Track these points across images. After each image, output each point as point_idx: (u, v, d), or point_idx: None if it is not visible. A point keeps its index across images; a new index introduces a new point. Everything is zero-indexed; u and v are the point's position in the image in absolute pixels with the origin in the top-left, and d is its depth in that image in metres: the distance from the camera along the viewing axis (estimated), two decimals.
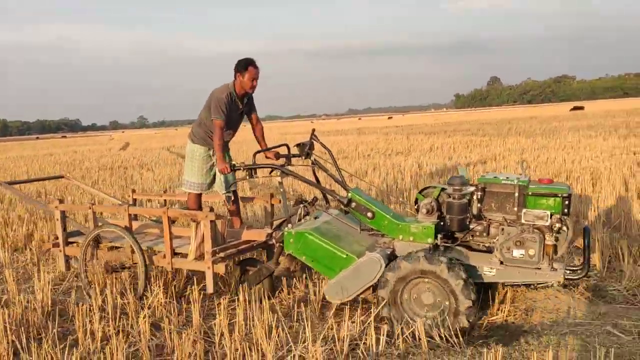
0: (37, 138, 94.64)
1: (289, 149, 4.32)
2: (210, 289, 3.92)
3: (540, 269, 3.15)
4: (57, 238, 4.74)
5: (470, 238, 3.46)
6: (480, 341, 3.12)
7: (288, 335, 3.25)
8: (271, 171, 3.93)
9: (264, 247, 4.30)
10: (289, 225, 3.65)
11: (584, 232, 3.30)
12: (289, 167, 4.00)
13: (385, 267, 3.29)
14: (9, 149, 41.65)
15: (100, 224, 4.58)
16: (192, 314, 3.59)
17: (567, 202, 3.15)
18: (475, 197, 3.39)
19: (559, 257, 3.34)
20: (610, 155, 10.60)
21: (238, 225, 4.81)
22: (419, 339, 3.10)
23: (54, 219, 4.72)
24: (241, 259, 4.29)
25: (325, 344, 3.15)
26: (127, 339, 3.40)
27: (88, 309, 3.71)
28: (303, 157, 4.13)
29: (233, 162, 4.13)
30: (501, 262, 3.23)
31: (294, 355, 3.04)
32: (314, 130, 4.24)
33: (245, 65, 4.46)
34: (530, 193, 3.23)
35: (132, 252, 4.19)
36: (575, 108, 53.10)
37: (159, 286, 3.96)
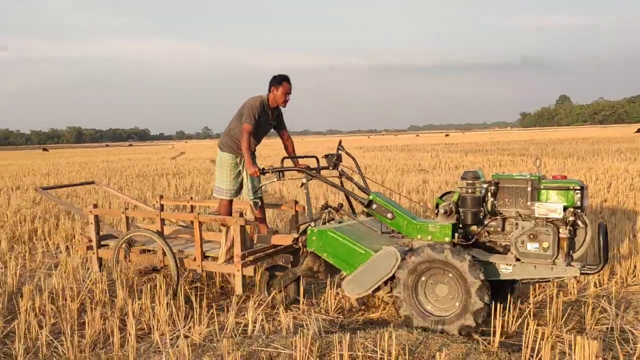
0: (107, 145, 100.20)
1: (318, 160, 4.49)
2: (239, 290, 4.07)
3: (555, 264, 3.16)
4: (90, 241, 4.93)
5: (486, 235, 3.50)
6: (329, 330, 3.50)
7: (178, 319, 3.76)
8: (306, 177, 4.02)
9: (291, 251, 4.40)
10: (312, 224, 3.81)
11: (598, 227, 3.29)
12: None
13: (402, 260, 3.39)
14: (76, 154, 44.62)
15: (133, 228, 4.79)
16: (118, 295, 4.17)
17: (579, 195, 3.17)
18: (489, 192, 3.45)
19: (579, 255, 3.33)
20: (617, 178, 10.45)
21: (264, 231, 4.92)
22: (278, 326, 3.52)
23: (88, 222, 4.91)
24: (269, 265, 4.48)
25: (207, 326, 3.61)
26: (54, 314, 4.00)
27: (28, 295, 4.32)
28: (331, 168, 4.31)
29: (262, 166, 4.31)
30: (517, 259, 3.26)
31: (180, 334, 3.53)
32: (340, 141, 4.45)
33: (281, 80, 4.73)
34: (542, 187, 3.29)
35: (164, 255, 4.35)
36: None
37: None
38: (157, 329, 3.65)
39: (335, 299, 4.09)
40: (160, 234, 4.45)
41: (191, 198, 6.17)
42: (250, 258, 4.08)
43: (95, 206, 4.89)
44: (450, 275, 3.27)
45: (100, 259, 4.90)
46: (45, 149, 67.49)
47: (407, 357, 2.95)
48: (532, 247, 3.19)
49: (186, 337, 3.52)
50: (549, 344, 2.81)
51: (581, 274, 3.17)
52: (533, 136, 51.24)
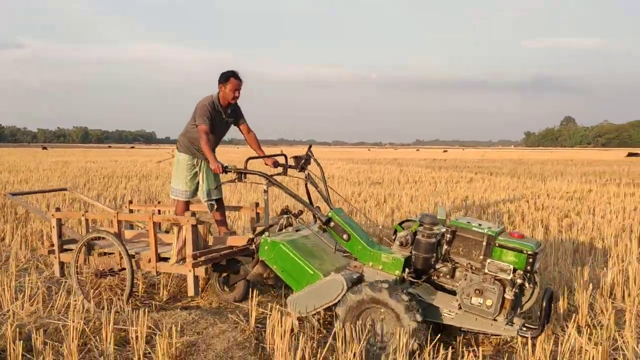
0: (109, 147, 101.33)
1: (286, 158, 4.43)
2: (191, 291, 4.00)
3: (496, 320, 3.17)
4: (52, 245, 4.81)
5: (436, 278, 3.47)
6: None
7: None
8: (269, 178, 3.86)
9: (247, 252, 4.31)
10: (266, 233, 3.77)
11: (544, 292, 3.27)
12: (279, 177, 4.14)
13: (348, 289, 3.30)
14: (71, 153, 45.37)
15: (92, 230, 4.71)
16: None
17: (531, 260, 3.14)
18: (444, 238, 3.41)
19: (520, 312, 3.34)
20: (548, 198, 10.95)
21: (224, 232, 4.94)
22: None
23: (51, 226, 4.79)
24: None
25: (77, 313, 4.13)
26: None
27: None
28: (298, 170, 4.25)
29: (225, 165, 4.18)
30: (460, 307, 3.26)
31: (10, 309, 4.06)
32: (310, 146, 4.37)
33: (227, 77, 4.63)
34: (497, 244, 3.24)
35: (121, 257, 4.31)
36: (631, 154, 51.09)
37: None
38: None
39: (167, 288, 4.63)
40: (118, 235, 4.42)
41: (159, 202, 6.02)
42: (202, 258, 4.02)
43: (58, 209, 4.81)
44: (388, 313, 3.20)
45: (62, 263, 4.82)
46: (44, 147, 68.50)
47: (178, 330, 3.52)
48: (476, 301, 3.19)
49: (14, 313, 4.05)
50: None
51: (518, 334, 3.17)
52: (524, 156, 51.62)
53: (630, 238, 6.68)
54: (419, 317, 3.07)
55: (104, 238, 4.43)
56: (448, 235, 3.38)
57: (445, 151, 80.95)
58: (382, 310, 3.19)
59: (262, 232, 3.82)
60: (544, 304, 3.19)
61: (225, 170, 4.16)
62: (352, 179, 17.08)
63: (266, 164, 4.65)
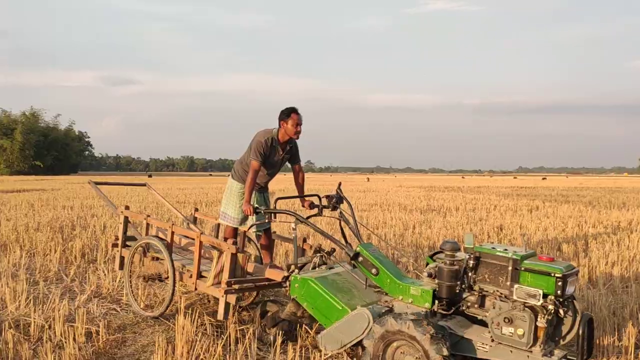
0: (210, 174, 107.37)
1: (320, 199, 4.51)
2: (221, 316, 4.11)
3: (532, 352, 2.95)
4: (117, 239, 5.21)
5: (465, 308, 3.31)
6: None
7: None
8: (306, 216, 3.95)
9: (283, 287, 4.40)
10: (297, 271, 3.85)
11: (580, 318, 3.06)
12: (312, 218, 4.28)
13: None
14: (170, 181, 48.83)
15: (147, 235, 5.01)
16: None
17: (560, 283, 2.89)
18: (468, 265, 3.24)
19: (562, 343, 3.14)
20: (592, 227, 10.54)
21: (267, 259, 5.05)
22: None
23: (119, 221, 5.22)
24: (265, 299, 4.68)
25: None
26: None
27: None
28: (330, 209, 4.34)
29: (256, 206, 4.41)
30: (492, 340, 3.08)
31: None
32: (340, 184, 4.47)
33: (289, 113, 4.70)
34: (523, 268, 3.03)
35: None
36: None
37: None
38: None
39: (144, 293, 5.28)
40: (168, 246, 4.62)
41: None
42: (236, 287, 4.17)
43: (127, 208, 5.16)
44: (415, 346, 3.09)
45: (122, 258, 5.14)
46: (150, 175, 74.30)
47: (115, 329, 4.22)
48: (507, 331, 3.00)
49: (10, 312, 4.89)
50: None
51: None
52: (628, 184, 48.09)
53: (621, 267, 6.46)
54: (445, 351, 2.97)
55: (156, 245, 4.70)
56: (472, 262, 3.22)
57: (544, 178, 77.16)
58: (404, 341, 3.13)
59: (294, 270, 3.89)
60: (580, 331, 3.00)
61: (256, 211, 4.38)
62: (410, 206, 17.16)
63: (303, 206, 4.84)
